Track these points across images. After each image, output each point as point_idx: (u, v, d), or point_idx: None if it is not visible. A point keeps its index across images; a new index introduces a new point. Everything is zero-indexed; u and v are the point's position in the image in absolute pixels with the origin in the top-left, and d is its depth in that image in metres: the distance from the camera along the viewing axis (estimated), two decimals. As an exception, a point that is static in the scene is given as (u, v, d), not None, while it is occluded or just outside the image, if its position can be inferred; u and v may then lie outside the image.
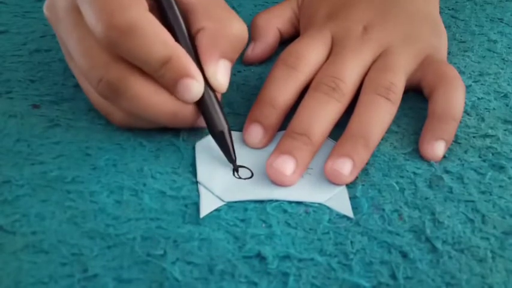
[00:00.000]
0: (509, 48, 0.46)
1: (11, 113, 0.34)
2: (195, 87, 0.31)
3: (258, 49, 0.41)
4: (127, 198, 0.29)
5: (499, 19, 0.51)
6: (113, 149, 0.32)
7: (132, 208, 0.29)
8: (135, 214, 0.28)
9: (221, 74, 0.32)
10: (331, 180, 0.32)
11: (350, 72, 0.35)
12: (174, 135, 0.34)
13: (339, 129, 0.34)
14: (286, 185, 0.31)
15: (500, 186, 0.32)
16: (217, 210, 0.29)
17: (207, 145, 0.33)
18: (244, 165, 0.32)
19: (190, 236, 0.28)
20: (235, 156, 0.32)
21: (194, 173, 0.31)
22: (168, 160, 0.32)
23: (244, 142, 0.34)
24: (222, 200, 0.30)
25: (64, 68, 0.39)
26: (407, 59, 0.37)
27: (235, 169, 0.32)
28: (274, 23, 0.42)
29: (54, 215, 0.28)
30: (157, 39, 0.30)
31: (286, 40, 0.42)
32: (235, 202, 0.30)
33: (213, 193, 0.30)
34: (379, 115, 0.34)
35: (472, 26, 0.49)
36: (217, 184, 0.31)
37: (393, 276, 0.27)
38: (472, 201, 0.31)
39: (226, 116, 0.33)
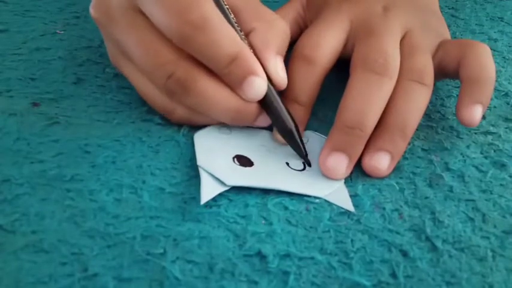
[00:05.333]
0: (509, 46, 0.46)
1: (10, 112, 0.34)
2: (260, 85, 0.31)
3: None
4: (126, 196, 0.29)
5: (499, 18, 0.51)
6: (112, 146, 0.32)
7: (131, 206, 0.29)
8: (135, 212, 0.28)
9: (281, 69, 0.33)
10: (369, 175, 0.32)
11: (392, 49, 0.34)
12: (174, 130, 0.34)
13: (332, 114, 0.33)
14: (339, 179, 0.32)
15: (501, 185, 0.32)
16: (218, 206, 0.29)
17: (206, 135, 0.33)
18: (244, 154, 0.32)
19: (190, 234, 0.28)
20: (306, 152, 0.32)
21: (193, 167, 0.31)
22: (168, 155, 0.32)
23: (276, 141, 0.34)
24: (225, 184, 0.30)
25: (64, 66, 0.39)
26: (428, 40, 0.37)
27: (308, 164, 0.33)
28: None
29: (53, 214, 0.28)
30: (227, 36, 0.30)
31: (293, 41, 0.41)
32: (237, 195, 0.30)
33: (214, 176, 0.30)
34: (416, 102, 0.33)
35: (472, 25, 0.49)
36: (218, 168, 0.31)
37: (393, 275, 0.27)
38: (473, 200, 0.31)
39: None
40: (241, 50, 0.31)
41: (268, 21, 0.33)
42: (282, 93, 0.35)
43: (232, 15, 0.33)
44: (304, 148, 0.33)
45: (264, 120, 0.33)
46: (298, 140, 0.32)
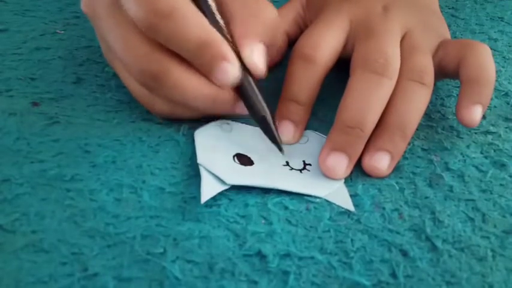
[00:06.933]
0: (509, 46, 0.46)
1: (10, 111, 0.34)
2: (231, 71, 0.31)
3: (269, 56, 0.41)
4: (126, 196, 0.29)
5: (499, 18, 0.51)
6: (112, 146, 0.32)
7: (131, 206, 0.29)
8: (135, 212, 0.28)
9: (257, 56, 0.32)
10: (369, 174, 0.32)
11: (392, 49, 0.34)
12: (174, 129, 0.34)
13: (332, 114, 0.33)
14: (339, 179, 0.32)
15: (501, 185, 0.32)
16: (218, 205, 0.29)
17: (206, 133, 0.33)
18: (244, 153, 0.32)
19: (190, 234, 0.28)
20: (280, 140, 0.32)
21: (193, 166, 0.31)
22: (168, 155, 0.32)
23: None
24: (225, 183, 0.30)
25: (64, 66, 0.39)
26: (428, 40, 0.37)
27: (281, 151, 0.32)
28: (280, 26, 0.41)
29: (54, 214, 0.28)
30: (196, 24, 0.30)
31: (293, 41, 0.41)
32: (237, 194, 0.30)
33: (214, 174, 0.30)
34: (416, 103, 0.33)
35: (472, 24, 0.49)
36: (219, 166, 0.31)
37: (393, 275, 0.27)
38: (473, 200, 0.31)
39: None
40: (210, 36, 0.31)
41: (254, 7, 0.33)
42: (282, 93, 0.35)
43: (212, 1, 0.33)
44: (279, 136, 0.33)
45: (243, 108, 0.33)
46: (272, 128, 0.32)
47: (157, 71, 0.31)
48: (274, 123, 0.33)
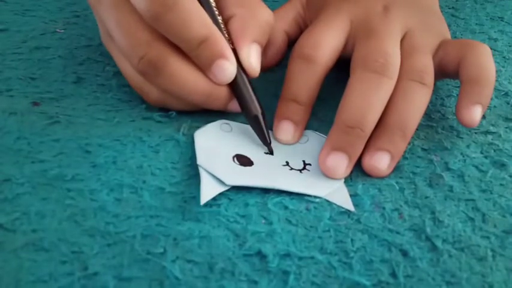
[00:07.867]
0: (509, 46, 0.46)
1: (11, 111, 0.34)
2: (228, 69, 0.32)
3: (269, 55, 0.41)
4: (127, 196, 0.29)
5: (499, 18, 0.51)
6: (113, 146, 0.32)
7: (131, 206, 0.29)
8: (135, 212, 0.28)
9: (254, 57, 0.33)
10: (369, 174, 0.32)
11: (393, 49, 0.34)
12: (175, 129, 0.34)
13: (332, 114, 0.33)
14: (339, 179, 0.32)
15: (501, 185, 0.32)
16: (218, 205, 0.29)
17: (206, 134, 0.34)
18: (244, 154, 0.32)
19: (190, 234, 0.28)
20: (270, 139, 0.33)
21: (193, 166, 0.31)
22: (168, 155, 0.32)
23: (277, 140, 0.34)
24: (224, 184, 0.30)
25: (64, 65, 0.39)
26: (428, 40, 0.37)
27: (270, 152, 0.33)
28: (280, 26, 0.41)
29: (54, 213, 0.28)
30: (198, 18, 0.31)
31: (293, 41, 0.41)
32: (237, 194, 0.30)
33: (214, 175, 0.30)
34: (416, 103, 0.33)
35: (473, 24, 0.49)
36: (218, 167, 0.31)
37: (393, 275, 0.27)
38: (473, 199, 0.31)
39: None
40: (211, 33, 0.31)
41: (251, 8, 0.34)
42: (282, 92, 0.35)
43: (213, 2, 0.33)
44: (269, 135, 0.33)
45: (236, 105, 0.34)
46: (263, 127, 0.33)
47: (156, 59, 0.31)
48: (265, 123, 0.33)
